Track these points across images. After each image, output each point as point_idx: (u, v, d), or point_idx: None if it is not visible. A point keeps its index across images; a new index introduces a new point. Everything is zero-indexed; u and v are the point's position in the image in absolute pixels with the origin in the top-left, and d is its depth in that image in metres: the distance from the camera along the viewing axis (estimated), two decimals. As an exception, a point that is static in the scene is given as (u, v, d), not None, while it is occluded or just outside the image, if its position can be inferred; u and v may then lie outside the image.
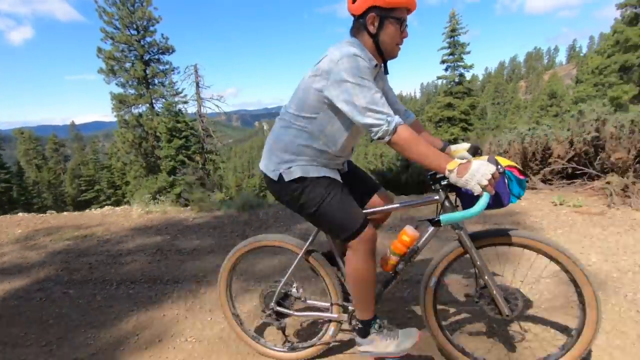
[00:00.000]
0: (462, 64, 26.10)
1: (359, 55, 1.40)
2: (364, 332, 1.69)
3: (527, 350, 1.80)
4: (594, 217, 3.24)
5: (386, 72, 1.66)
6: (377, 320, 1.69)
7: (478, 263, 1.55)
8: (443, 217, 1.43)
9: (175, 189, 17.89)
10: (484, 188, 1.28)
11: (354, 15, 1.51)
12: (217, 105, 22.51)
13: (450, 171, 1.34)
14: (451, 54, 26.20)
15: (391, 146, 1.42)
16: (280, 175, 1.57)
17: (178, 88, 21.49)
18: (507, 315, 1.55)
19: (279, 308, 1.85)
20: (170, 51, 22.62)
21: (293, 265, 1.80)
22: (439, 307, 1.73)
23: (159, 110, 21.34)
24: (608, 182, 3.46)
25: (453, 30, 25.73)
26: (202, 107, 22.41)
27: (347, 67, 1.38)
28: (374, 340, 1.67)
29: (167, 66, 22.41)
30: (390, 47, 1.52)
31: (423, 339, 1.78)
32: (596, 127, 3.89)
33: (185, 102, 20.65)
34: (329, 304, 1.83)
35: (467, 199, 1.51)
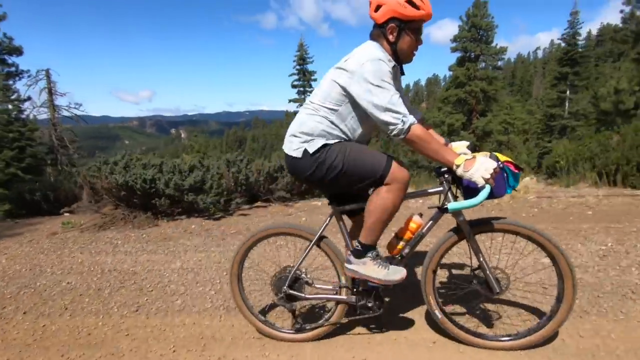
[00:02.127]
0: (311, 89, 28.20)
1: (382, 60, 1.56)
2: (360, 254, 1.77)
3: (503, 326, 1.98)
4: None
5: (402, 73, 1.79)
6: (376, 250, 1.79)
7: (474, 247, 1.70)
8: (450, 205, 1.60)
9: (5, 205, 16.11)
10: (486, 181, 1.48)
11: (375, 23, 1.66)
12: (75, 114, 20.97)
13: (458, 166, 1.53)
14: (299, 79, 28.52)
15: (406, 143, 1.58)
16: (305, 150, 1.67)
17: (19, 93, 19.39)
18: (498, 292, 1.70)
19: (291, 291, 1.92)
20: (18, 53, 20.53)
21: (306, 252, 1.89)
22: (437, 286, 1.88)
23: (-4, 116, 19.03)
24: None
25: (302, 59, 28.01)
26: (56, 115, 20.68)
27: (371, 70, 1.53)
28: (366, 263, 1.76)
29: (13, 68, 20.28)
30: (407, 54, 1.68)
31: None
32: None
33: (21, 110, 18.79)
34: (338, 287, 1.94)
35: (468, 190, 1.63)
